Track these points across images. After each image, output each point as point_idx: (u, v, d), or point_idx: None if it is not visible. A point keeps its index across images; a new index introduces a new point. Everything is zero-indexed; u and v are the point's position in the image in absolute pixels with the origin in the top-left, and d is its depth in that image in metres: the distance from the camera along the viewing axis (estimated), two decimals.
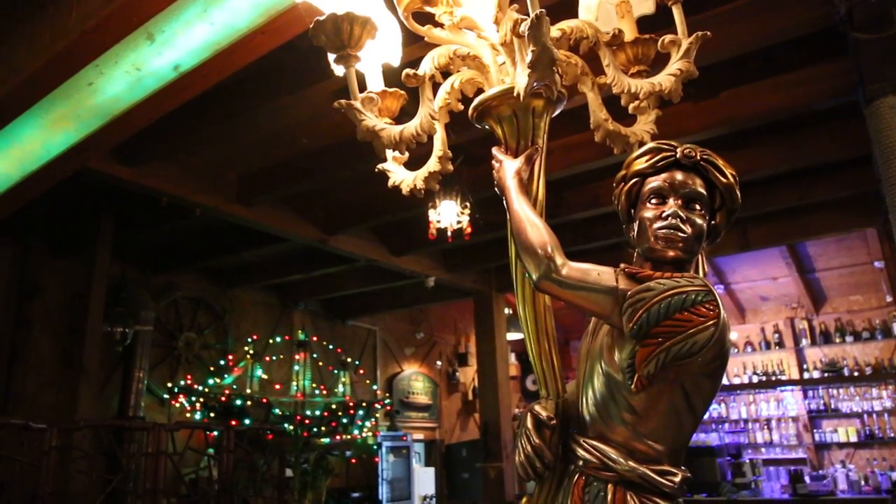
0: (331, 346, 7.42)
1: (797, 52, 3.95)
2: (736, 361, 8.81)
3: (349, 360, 7.49)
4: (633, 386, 1.19)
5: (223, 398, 5.89)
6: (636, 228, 1.31)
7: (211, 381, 6.21)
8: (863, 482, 6.87)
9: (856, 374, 8.03)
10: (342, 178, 4.95)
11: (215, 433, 5.08)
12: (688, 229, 1.26)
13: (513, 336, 7.77)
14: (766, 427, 8.38)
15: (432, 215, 4.12)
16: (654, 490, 1.19)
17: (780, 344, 8.61)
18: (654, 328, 1.15)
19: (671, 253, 1.26)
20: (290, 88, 3.85)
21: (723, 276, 8.62)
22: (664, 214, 1.27)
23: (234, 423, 5.31)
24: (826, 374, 8.17)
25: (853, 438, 7.84)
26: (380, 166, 1.52)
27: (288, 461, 5.17)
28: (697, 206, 1.29)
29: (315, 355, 7.14)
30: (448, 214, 4.07)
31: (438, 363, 9.11)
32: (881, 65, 3.77)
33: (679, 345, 1.14)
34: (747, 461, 7.22)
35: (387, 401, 7.48)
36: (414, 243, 6.23)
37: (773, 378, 8.48)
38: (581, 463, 1.26)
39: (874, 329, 8.09)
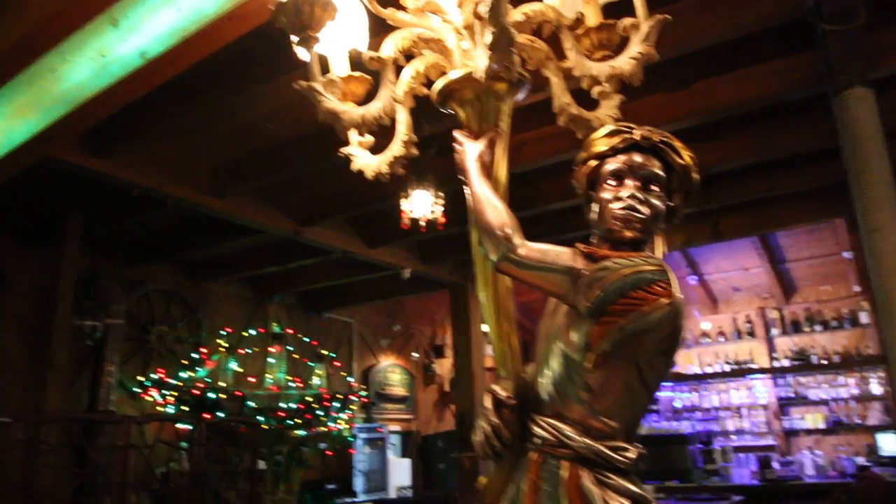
0: (306, 339, 7.37)
1: (770, 44, 3.99)
2: (708, 351, 8.94)
3: (325, 352, 7.46)
4: (589, 364, 1.20)
5: (196, 392, 5.83)
6: (595, 209, 1.33)
7: (184, 375, 6.14)
8: (829, 467, 7.02)
9: (824, 362, 8.19)
10: (317, 168, 4.91)
11: (188, 426, 5.03)
12: (645, 210, 1.28)
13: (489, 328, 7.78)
14: (737, 415, 8.52)
15: (405, 205, 4.10)
16: (609, 466, 1.21)
17: (752, 333, 8.75)
18: (609, 306, 1.16)
19: (628, 234, 1.27)
20: (265, 77, 3.80)
21: (696, 267, 8.72)
22: (622, 195, 1.28)
23: (207, 416, 5.26)
24: (795, 363, 8.32)
25: (821, 425, 8.00)
26: (343, 150, 1.51)
27: (261, 454, 5.14)
28: (655, 188, 1.30)
29: (290, 348, 7.10)
30: (421, 205, 4.06)
31: (415, 355, 9.12)
32: (848, 56, 3.83)
33: (633, 322, 1.16)
34: (718, 448, 7.34)
35: (363, 393, 7.46)
36: (389, 235, 6.21)
37: (745, 367, 8.61)
38: (538, 441, 1.27)
39: (842, 318, 8.25)
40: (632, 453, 1.22)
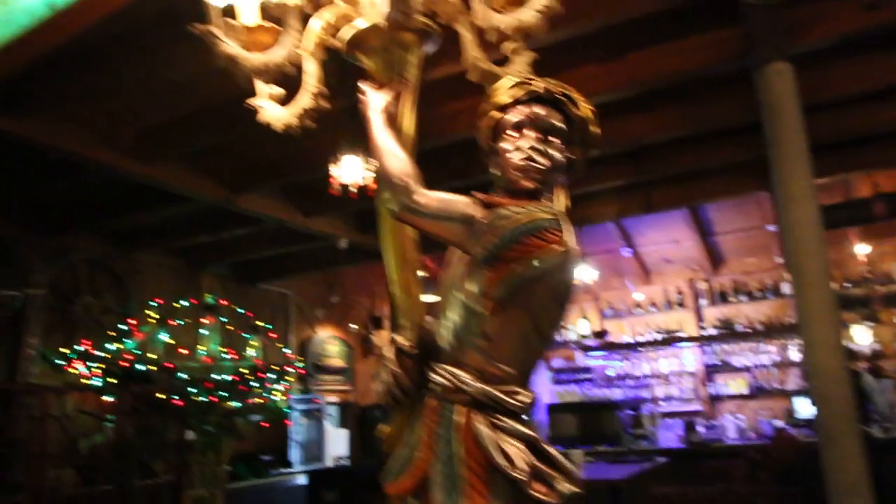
0: (241, 310, 7.23)
1: (698, 17, 4.06)
2: (640, 321, 9.21)
3: (261, 323, 7.34)
4: (485, 311, 1.22)
5: (125, 363, 5.67)
6: (496, 160, 1.34)
7: (111, 347, 5.95)
8: (750, 430, 7.38)
9: (748, 331, 8.56)
10: (249, 134, 4.77)
11: (112, 398, 4.90)
12: (545, 161, 1.30)
13: (426, 298, 7.81)
14: (666, 381, 8.85)
15: (334, 171, 4.05)
16: (502, 409, 1.24)
17: (682, 304, 9.05)
18: (503, 252, 1.18)
19: (527, 184, 1.29)
20: (193, 37, 3.64)
21: (630, 239, 8.93)
22: (522, 146, 1.30)
23: (135, 388, 5.13)
24: (721, 332, 8.67)
25: (744, 391, 8.38)
26: (250, 101, 1.48)
27: (191, 424, 5.06)
28: (555, 140, 1.32)
29: (224, 319, 6.96)
30: (351, 171, 4.01)
31: (353, 326, 9.09)
32: (769, 31, 3.95)
33: (526, 268, 1.18)
34: (646, 413, 7.62)
35: (299, 364, 7.40)
36: (325, 204, 6.12)
37: (674, 336, 8.92)
38: (437, 388, 1.29)
39: (766, 289, 8.61)
40: (525, 397, 1.26)
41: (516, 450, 1.20)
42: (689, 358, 8.80)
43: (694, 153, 5.63)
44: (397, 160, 1.25)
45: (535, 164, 1.28)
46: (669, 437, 7.30)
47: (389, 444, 1.33)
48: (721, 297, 8.88)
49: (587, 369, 9.18)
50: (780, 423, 7.34)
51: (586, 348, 9.27)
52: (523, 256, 1.18)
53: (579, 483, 1.22)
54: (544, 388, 9.05)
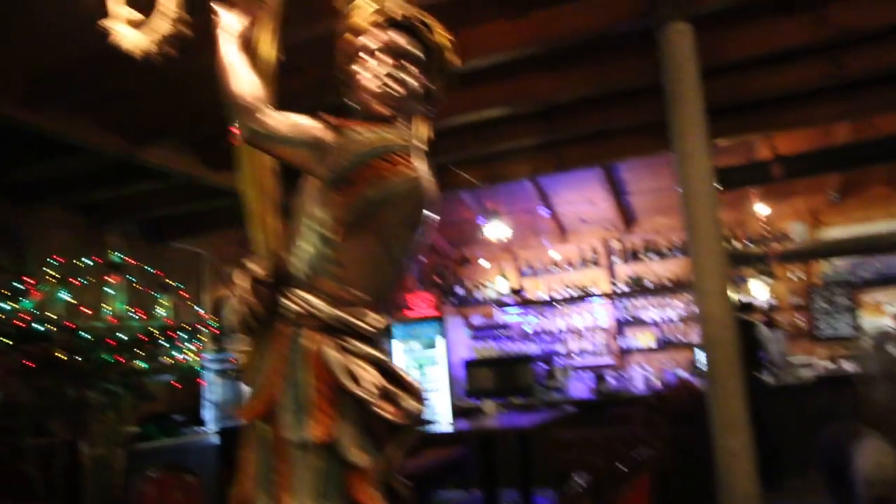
0: (150, 269, 6.99)
1: None
2: (556, 279, 9.48)
3: (172, 283, 7.12)
4: (334, 236, 1.22)
5: (21, 323, 5.40)
6: (351, 85, 1.33)
7: (6, 306, 5.65)
8: (655, 380, 7.76)
9: (657, 287, 8.94)
10: (151, 81, 4.55)
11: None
12: (400, 88, 1.30)
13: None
14: (579, 336, 9.18)
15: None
16: (352, 332, 1.25)
17: (596, 262, 9.35)
18: (350, 174, 1.18)
19: (381, 108, 1.29)
20: None
21: (548, 200, 9.11)
22: (379, 72, 1.29)
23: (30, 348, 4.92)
24: (632, 289, 9.03)
25: (652, 344, 8.81)
26: (102, 22, 1.41)
27: (91, 384, 4.90)
28: (412, 67, 1.32)
29: (132, 278, 6.71)
30: None
31: None
32: None
33: (374, 191, 1.19)
34: (559, 367, 7.90)
35: (213, 323, 7.25)
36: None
37: (587, 292, 9.23)
38: (291, 314, 1.29)
39: (674, 247, 9.00)
40: (375, 321, 1.27)
41: (365, 371, 1.21)
42: (602, 313, 9.14)
43: (603, 113, 5.74)
44: (245, 82, 1.22)
45: (389, 90, 1.28)
46: (580, 388, 7.60)
47: (245, 373, 1.33)
48: (632, 255, 9.22)
49: (505, 326, 9.41)
50: (683, 373, 7.74)
51: (504, 305, 9.48)
52: (371, 179, 1.18)
53: (425, 401, 1.25)
54: (463, 344, 9.22)
